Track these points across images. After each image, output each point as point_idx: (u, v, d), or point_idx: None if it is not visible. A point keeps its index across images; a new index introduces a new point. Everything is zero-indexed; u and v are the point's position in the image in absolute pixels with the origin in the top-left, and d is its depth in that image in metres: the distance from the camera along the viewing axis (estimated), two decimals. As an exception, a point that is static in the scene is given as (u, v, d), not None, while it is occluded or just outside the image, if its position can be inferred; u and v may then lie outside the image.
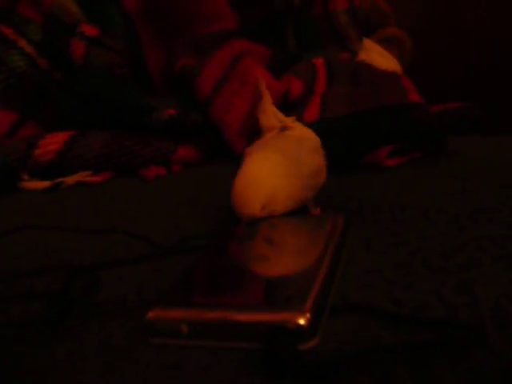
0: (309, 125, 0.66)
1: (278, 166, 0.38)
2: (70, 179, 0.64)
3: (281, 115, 0.48)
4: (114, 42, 0.77)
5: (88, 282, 0.33)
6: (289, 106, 0.72)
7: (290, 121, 0.48)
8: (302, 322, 0.24)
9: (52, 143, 0.64)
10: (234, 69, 0.73)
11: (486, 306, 0.24)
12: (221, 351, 0.24)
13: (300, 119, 0.69)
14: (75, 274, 0.34)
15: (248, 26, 0.87)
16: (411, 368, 0.20)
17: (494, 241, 0.32)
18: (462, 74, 1.28)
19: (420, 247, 0.33)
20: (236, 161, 0.73)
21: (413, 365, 0.20)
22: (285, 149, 0.41)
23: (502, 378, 0.19)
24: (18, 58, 0.75)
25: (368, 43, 1.04)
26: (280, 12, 0.91)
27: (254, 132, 0.75)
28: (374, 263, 0.32)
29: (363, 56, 0.99)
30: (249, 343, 0.24)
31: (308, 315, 0.24)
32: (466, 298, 0.25)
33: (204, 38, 0.82)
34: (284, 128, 0.46)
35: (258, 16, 0.90)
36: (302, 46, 0.92)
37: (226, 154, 0.73)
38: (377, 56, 1.00)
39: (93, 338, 0.27)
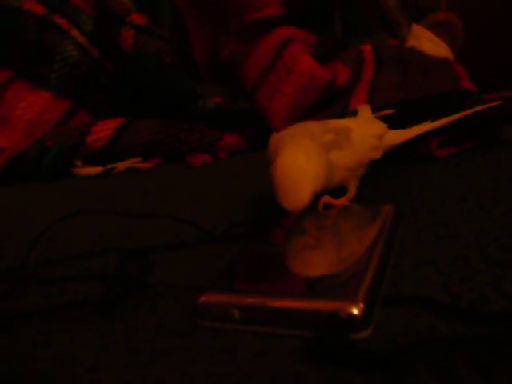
0: (356, 111, 0.65)
1: (311, 151, 0.37)
2: (121, 165, 0.66)
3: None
4: (162, 30, 0.78)
5: (141, 265, 0.34)
6: (336, 93, 0.71)
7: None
8: (355, 311, 0.24)
9: (104, 130, 0.66)
10: (281, 55, 0.73)
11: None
12: (272, 338, 0.24)
13: (347, 107, 0.68)
14: (129, 257, 0.36)
15: (294, 13, 0.86)
16: (471, 362, 0.20)
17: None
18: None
19: (476, 239, 0.32)
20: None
21: (473, 359, 0.20)
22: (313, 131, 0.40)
23: None
24: (71, 47, 0.77)
25: (417, 29, 1.00)
26: (327, -3, 0.89)
27: (300, 119, 0.75)
28: (427, 255, 0.31)
29: (413, 42, 0.96)
30: (301, 331, 0.24)
31: (361, 305, 0.24)
32: (528, 293, 0.24)
33: (250, 25, 0.82)
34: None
35: (304, 2, 0.89)
36: (348, 32, 0.90)
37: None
38: (427, 42, 0.97)
39: (146, 320, 0.28)
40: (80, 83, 0.75)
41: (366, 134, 0.42)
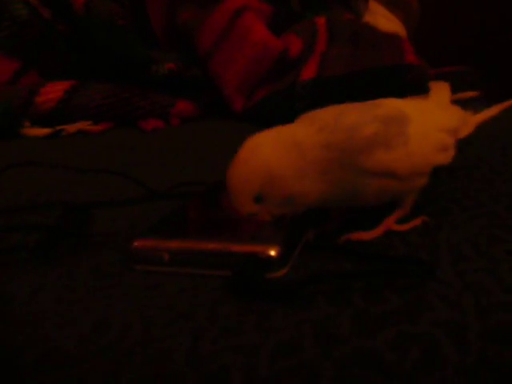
0: (305, 82, 0.67)
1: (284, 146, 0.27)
2: (71, 127, 0.65)
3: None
4: (116, -8, 0.77)
5: (81, 217, 0.35)
6: (288, 64, 0.72)
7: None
8: (272, 252, 0.26)
9: (53, 91, 0.66)
10: (234, 24, 0.74)
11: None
12: (196, 278, 0.26)
13: (297, 77, 0.70)
14: (69, 210, 0.37)
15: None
16: (364, 292, 0.22)
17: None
18: (468, 39, 1.27)
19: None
20: (234, 117, 0.75)
21: (366, 290, 0.22)
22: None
23: (448, 305, 0.21)
24: (20, 6, 0.75)
25: (374, 5, 1.03)
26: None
27: (252, 89, 0.76)
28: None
29: (368, 18, 0.98)
30: (223, 271, 0.26)
31: (278, 247, 0.26)
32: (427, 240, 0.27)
33: (207, -9, 0.82)
34: None
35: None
36: (305, 4, 0.91)
37: (224, 109, 0.74)
38: (381, 18, 1.00)
39: (82, 265, 0.29)
40: (30, 43, 0.74)
41: (431, 126, 0.30)
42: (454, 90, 0.64)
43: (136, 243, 0.29)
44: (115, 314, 0.24)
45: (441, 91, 0.36)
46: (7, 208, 0.39)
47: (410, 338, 0.19)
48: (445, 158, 0.30)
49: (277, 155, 0.26)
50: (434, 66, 0.80)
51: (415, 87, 0.58)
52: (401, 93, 0.59)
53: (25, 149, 0.60)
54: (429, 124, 0.30)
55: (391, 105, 0.30)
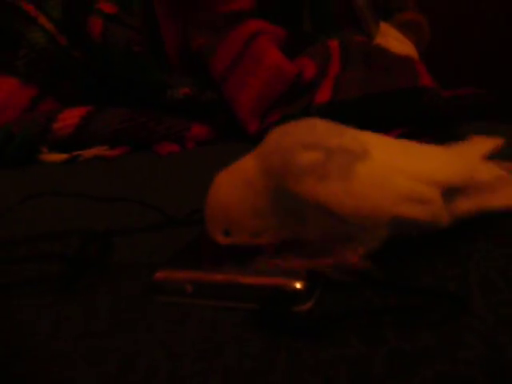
0: (319, 106, 0.67)
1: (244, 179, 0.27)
2: (87, 152, 0.66)
3: None
4: (131, 20, 0.78)
5: (102, 246, 0.35)
6: (302, 87, 0.73)
7: None
8: (297, 285, 0.26)
9: (70, 117, 0.67)
10: (249, 48, 0.74)
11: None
12: (221, 311, 0.26)
13: (312, 100, 0.70)
14: (90, 238, 0.37)
15: (264, 7, 0.88)
16: (396, 328, 0.22)
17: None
18: (479, 60, 1.27)
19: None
20: (248, 140, 0.75)
21: (398, 326, 0.22)
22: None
23: (481, 340, 0.21)
24: (39, 34, 0.76)
25: (385, 27, 1.03)
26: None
27: (266, 112, 0.77)
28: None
29: (379, 40, 0.98)
30: (248, 304, 0.26)
31: (303, 281, 0.26)
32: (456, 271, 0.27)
33: (221, 17, 0.83)
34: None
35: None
36: (317, 27, 0.92)
37: (238, 132, 0.75)
38: (393, 40, 1.00)
39: (104, 296, 0.29)
40: (47, 70, 0.75)
41: (395, 169, 0.26)
42: (467, 110, 0.64)
43: (158, 274, 0.29)
44: (140, 351, 0.23)
45: (477, 145, 0.31)
46: (27, 237, 0.39)
47: (447, 378, 0.18)
48: (417, 211, 0.26)
49: (233, 196, 0.27)
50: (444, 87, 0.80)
51: (431, 110, 0.58)
52: (416, 115, 0.59)
53: (43, 175, 0.60)
54: (392, 166, 0.26)
55: (358, 135, 0.28)
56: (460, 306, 0.23)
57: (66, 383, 0.22)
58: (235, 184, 0.27)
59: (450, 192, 0.27)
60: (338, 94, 0.66)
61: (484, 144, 0.30)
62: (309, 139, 0.26)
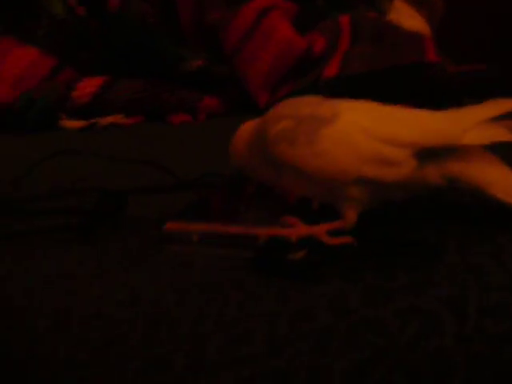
0: (327, 80, 0.69)
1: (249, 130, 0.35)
2: (104, 120, 0.69)
3: None
4: (148, -7, 0.80)
5: (116, 203, 0.38)
6: (311, 61, 0.74)
7: None
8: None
9: (88, 86, 0.70)
10: (260, 23, 0.76)
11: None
12: (222, 258, 0.29)
13: (320, 75, 0.72)
14: (106, 195, 0.40)
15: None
16: (374, 270, 0.25)
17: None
18: (491, 36, 1.26)
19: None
20: (259, 113, 0.77)
21: (377, 268, 0.25)
22: None
23: (449, 281, 0.23)
24: (57, 5, 0.79)
25: (398, 4, 1.03)
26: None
27: (276, 85, 0.78)
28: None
29: (392, 16, 0.99)
30: (247, 252, 0.29)
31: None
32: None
33: (234, -10, 0.84)
34: None
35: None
36: (330, 3, 0.93)
37: (249, 105, 0.77)
38: (406, 17, 1.01)
39: (117, 245, 0.32)
40: (66, 40, 0.78)
41: (363, 128, 0.27)
42: (472, 85, 0.65)
43: (168, 225, 0.32)
44: (148, 287, 0.26)
45: (484, 108, 0.29)
46: (49, 193, 0.42)
47: (414, 309, 0.21)
48: (382, 173, 0.27)
49: (247, 142, 0.33)
50: (458, 62, 0.81)
51: (436, 84, 0.60)
52: (421, 90, 0.60)
53: (62, 140, 0.64)
54: (361, 127, 0.27)
55: (330, 104, 0.29)
56: (435, 254, 0.25)
57: (87, 307, 0.25)
58: (246, 134, 0.34)
59: (436, 153, 0.27)
60: (345, 69, 0.68)
61: (495, 106, 0.28)
62: (285, 111, 0.30)
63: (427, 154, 0.27)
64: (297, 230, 0.28)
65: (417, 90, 0.59)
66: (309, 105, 0.30)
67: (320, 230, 0.28)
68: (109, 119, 0.69)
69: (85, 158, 0.44)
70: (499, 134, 0.27)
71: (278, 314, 0.22)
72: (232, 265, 0.28)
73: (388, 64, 0.65)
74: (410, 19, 0.99)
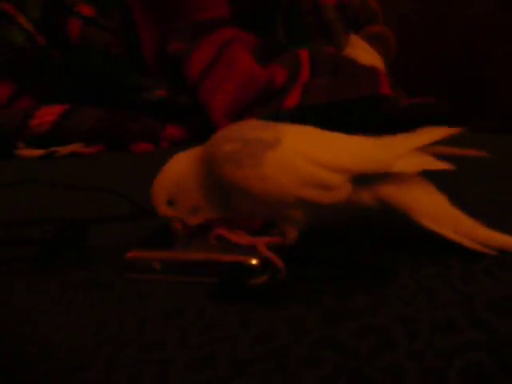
0: (288, 110, 0.71)
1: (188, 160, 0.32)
2: (64, 149, 0.68)
3: None
4: (109, 22, 0.81)
5: (76, 232, 0.38)
6: (273, 92, 0.77)
7: None
8: (253, 261, 0.29)
9: (48, 114, 0.69)
10: (222, 54, 0.78)
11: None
12: (186, 285, 0.29)
13: (280, 105, 0.74)
14: (66, 225, 0.39)
15: (239, 16, 0.92)
16: (331, 292, 0.26)
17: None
18: (444, 73, 1.34)
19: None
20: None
21: (333, 290, 0.26)
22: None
23: (401, 300, 0.24)
24: (17, 33, 0.78)
25: (354, 39, 1.09)
26: (271, 3, 0.96)
27: (239, 115, 0.80)
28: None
29: (349, 51, 1.04)
30: (210, 278, 0.29)
31: (258, 258, 0.29)
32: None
33: (197, 24, 0.86)
34: None
35: (249, 6, 0.94)
36: (290, 37, 0.96)
37: (211, 132, 0.78)
38: (362, 52, 1.06)
39: (78, 275, 0.32)
40: (25, 69, 0.77)
41: (303, 154, 0.29)
42: (422, 119, 0.69)
43: (130, 254, 0.32)
44: (111, 314, 0.26)
45: (419, 135, 0.31)
46: (7, 222, 0.41)
47: (369, 327, 0.22)
48: (319, 196, 0.29)
49: (186, 170, 0.32)
50: (413, 95, 0.85)
51: (388, 116, 0.63)
52: (373, 122, 0.63)
53: (20, 169, 0.63)
54: (302, 151, 0.29)
55: (275, 127, 0.31)
56: (389, 276, 0.27)
57: (41, 340, 0.24)
58: (185, 162, 0.32)
59: (370, 178, 0.29)
60: (305, 100, 0.71)
61: (428, 134, 0.30)
62: (232, 134, 0.31)
63: (362, 178, 0.29)
64: (240, 239, 0.30)
65: (371, 121, 0.62)
66: (254, 128, 0.31)
67: (260, 240, 0.30)
68: (69, 148, 0.69)
69: (44, 187, 0.44)
70: (428, 162, 0.29)
71: (239, 337, 0.23)
72: (194, 292, 0.28)
73: (345, 96, 0.68)
74: (365, 54, 1.04)
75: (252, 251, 0.30)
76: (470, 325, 0.22)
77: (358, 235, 0.33)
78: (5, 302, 0.29)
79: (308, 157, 0.29)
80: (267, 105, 0.76)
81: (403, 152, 0.29)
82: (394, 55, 1.17)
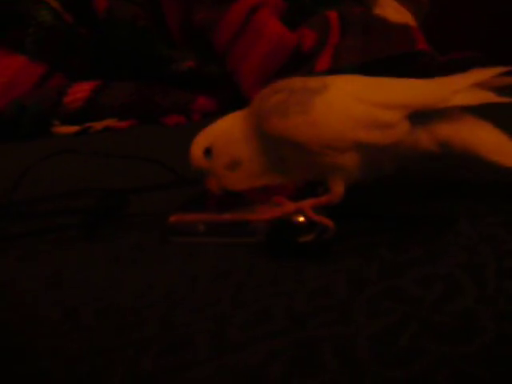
0: (319, 74, 0.69)
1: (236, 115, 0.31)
2: (98, 124, 0.69)
3: None
4: (135, -5, 0.80)
5: (118, 201, 0.38)
6: (303, 57, 0.75)
7: None
8: (300, 219, 0.28)
9: (80, 91, 0.69)
10: (250, 20, 0.76)
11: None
12: (231, 246, 0.28)
13: (311, 70, 0.72)
14: (107, 195, 0.39)
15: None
16: (388, 244, 0.24)
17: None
18: (478, 27, 1.27)
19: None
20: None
21: (389, 242, 0.25)
22: None
23: (465, 250, 0.23)
24: (45, 12, 0.78)
25: (383, -1, 1.04)
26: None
27: (268, 82, 0.78)
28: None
29: (378, 11, 1.00)
30: (255, 238, 0.29)
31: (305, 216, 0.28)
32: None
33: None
34: None
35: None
36: (317, 0, 0.93)
37: (242, 103, 0.77)
38: (391, 11, 1.01)
39: (123, 241, 0.32)
40: (55, 47, 0.77)
41: (354, 95, 0.28)
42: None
43: (173, 217, 0.31)
44: (161, 276, 0.26)
45: (470, 75, 0.29)
46: (49, 194, 0.41)
47: (433, 276, 0.21)
48: (377, 136, 0.27)
49: (232, 123, 0.31)
50: (444, 54, 0.82)
51: (428, 72, 0.60)
52: (414, 78, 0.61)
53: (57, 145, 0.63)
54: (351, 94, 0.28)
55: (327, 79, 0.29)
56: (448, 226, 0.25)
57: (99, 301, 0.24)
58: (232, 117, 0.32)
59: (427, 116, 0.27)
60: (337, 62, 0.68)
61: (480, 73, 0.29)
62: (277, 86, 0.30)
63: (418, 117, 0.27)
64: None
65: (411, 77, 0.59)
66: (300, 80, 0.30)
67: (306, 204, 0.28)
68: (103, 123, 0.69)
69: (82, 158, 0.44)
70: (487, 97, 0.28)
71: (295, 293, 0.22)
72: (241, 252, 0.28)
73: (379, 55, 0.65)
74: (395, 13, 1.00)
75: (280, 204, 0.29)
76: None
77: (408, 189, 0.31)
78: (56, 270, 0.29)
79: (359, 96, 0.27)
80: (298, 70, 0.74)
81: (459, 88, 0.27)
82: (425, 14, 1.12)
